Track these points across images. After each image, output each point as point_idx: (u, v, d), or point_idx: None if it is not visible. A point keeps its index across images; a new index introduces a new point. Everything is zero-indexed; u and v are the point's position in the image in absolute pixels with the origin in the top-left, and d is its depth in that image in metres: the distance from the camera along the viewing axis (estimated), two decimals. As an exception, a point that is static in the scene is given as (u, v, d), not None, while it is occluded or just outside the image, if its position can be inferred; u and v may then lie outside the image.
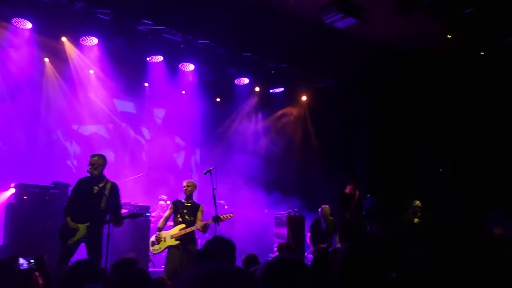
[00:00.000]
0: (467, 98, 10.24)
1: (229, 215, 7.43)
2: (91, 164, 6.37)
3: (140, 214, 7.02)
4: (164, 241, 7.26)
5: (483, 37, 9.04)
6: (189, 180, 7.71)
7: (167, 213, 7.54)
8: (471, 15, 8.31)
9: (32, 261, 3.73)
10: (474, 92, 10.17)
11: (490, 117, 10.04)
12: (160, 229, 7.35)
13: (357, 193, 7.53)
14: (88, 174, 6.36)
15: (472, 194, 9.70)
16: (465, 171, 10.10)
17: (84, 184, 6.44)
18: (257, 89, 12.30)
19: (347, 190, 7.60)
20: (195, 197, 7.60)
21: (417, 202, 8.77)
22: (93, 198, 6.35)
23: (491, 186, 9.73)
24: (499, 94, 9.89)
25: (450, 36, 8.72)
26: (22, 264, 4.22)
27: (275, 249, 9.94)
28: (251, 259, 5.07)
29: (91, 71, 10.37)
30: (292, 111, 12.62)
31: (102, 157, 6.51)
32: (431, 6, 7.59)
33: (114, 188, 6.52)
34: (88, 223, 6.27)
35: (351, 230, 7.34)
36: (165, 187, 11.38)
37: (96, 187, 6.34)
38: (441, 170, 10.98)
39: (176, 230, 7.26)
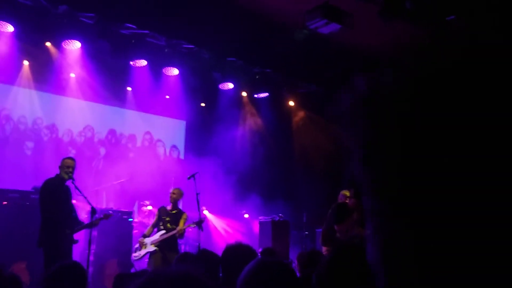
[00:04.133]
0: (446, 104, 10.36)
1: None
2: (68, 167, 6.10)
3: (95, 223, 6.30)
4: (145, 247, 7.20)
5: (465, 44, 9.15)
6: (176, 188, 7.63)
7: (153, 220, 7.50)
8: (453, 22, 8.43)
9: None
10: (455, 98, 10.30)
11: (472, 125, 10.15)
12: (145, 236, 7.28)
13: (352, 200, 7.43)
14: (53, 176, 6.14)
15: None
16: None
17: (60, 187, 6.09)
18: (244, 94, 12.26)
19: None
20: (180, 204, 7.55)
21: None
22: (70, 202, 6.17)
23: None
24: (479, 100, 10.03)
25: (433, 43, 8.80)
26: None
27: (259, 254, 9.93)
28: None
29: (72, 75, 10.21)
30: (278, 115, 12.59)
31: (74, 161, 6.29)
32: (414, 13, 7.64)
33: (69, 191, 6.26)
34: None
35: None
36: (148, 193, 11.26)
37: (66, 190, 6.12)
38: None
39: (156, 236, 7.22)
